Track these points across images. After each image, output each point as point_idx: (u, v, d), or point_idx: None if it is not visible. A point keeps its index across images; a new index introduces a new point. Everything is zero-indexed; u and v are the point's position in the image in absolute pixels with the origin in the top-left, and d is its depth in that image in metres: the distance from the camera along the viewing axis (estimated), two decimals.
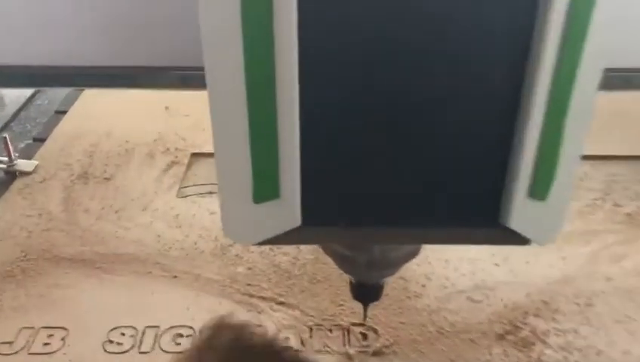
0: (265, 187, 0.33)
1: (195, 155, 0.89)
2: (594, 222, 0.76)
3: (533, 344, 0.59)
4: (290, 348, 0.58)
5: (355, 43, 0.30)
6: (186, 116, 0.98)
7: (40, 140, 0.93)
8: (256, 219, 0.34)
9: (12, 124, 1.05)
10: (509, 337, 0.60)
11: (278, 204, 0.33)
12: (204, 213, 0.77)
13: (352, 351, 0.58)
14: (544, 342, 0.59)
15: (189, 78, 0.66)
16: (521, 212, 0.33)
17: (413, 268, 0.67)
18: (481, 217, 0.34)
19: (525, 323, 0.62)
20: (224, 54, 0.29)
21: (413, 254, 0.47)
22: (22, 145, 0.96)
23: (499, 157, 0.33)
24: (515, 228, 0.34)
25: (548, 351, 0.59)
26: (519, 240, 0.35)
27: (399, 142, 0.32)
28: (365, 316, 0.57)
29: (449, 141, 0.32)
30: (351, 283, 0.50)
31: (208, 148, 0.91)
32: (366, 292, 0.51)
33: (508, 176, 0.33)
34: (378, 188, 0.34)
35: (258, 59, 0.29)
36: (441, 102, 0.31)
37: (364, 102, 0.31)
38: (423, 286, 0.66)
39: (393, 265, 0.47)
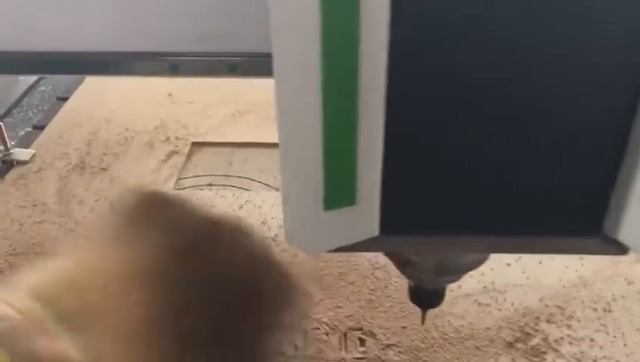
0: (339, 193, 0.29)
1: (195, 145, 0.86)
2: None
3: (545, 353, 0.55)
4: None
5: (456, 30, 0.26)
6: (190, 103, 0.95)
7: (40, 128, 0.90)
8: (326, 227, 0.29)
9: (14, 110, 1.03)
10: (519, 345, 0.56)
11: (352, 211, 0.29)
12: None
13: (348, 357, 0.55)
14: (556, 351, 0.55)
15: (183, 64, 0.63)
16: (632, 220, 0.30)
17: None
18: (584, 226, 0.31)
19: (537, 330, 0.57)
20: (297, 37, 0.25)
21: (483, 260, 0.43)
22: (22, 132, 0.95)
23: (610, 160, 0.29)
24: (622, 237, 0.30)
25: None
26: (617, 249, 0.31)
27: (497, 142, 0.29)
28: (423, 320, 0.52)
29: (554, 142, 0.29)
30: (410, 287, 0.47)
31: (211, 137, 0.87)
32: (427, 297, 0.47)
33: (620, 181, 0.29)
34: (471, 194, 0.30)
35: (339, 43, 0.25)
36: (548, 99, 0.28)
37: (461, 100, 0.28)
38: None
39: (460, 271, 0.43)
